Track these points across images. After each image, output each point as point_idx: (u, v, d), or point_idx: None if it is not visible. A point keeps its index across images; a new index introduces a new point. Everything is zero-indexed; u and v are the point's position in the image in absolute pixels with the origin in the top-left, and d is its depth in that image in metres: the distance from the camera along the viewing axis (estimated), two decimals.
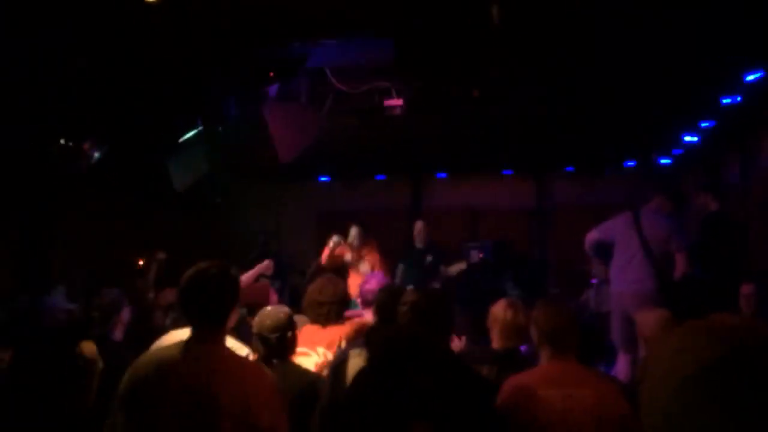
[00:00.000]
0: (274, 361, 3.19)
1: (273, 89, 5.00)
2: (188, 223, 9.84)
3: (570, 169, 10.15)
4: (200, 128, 5.99)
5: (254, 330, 3.33)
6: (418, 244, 7.91)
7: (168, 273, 7.14)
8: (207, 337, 2.42)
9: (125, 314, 4.20)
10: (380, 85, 5.20)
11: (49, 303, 5.91)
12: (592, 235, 6.05)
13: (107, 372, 3.27)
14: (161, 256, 7.50)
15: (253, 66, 4.52)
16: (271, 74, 4.53)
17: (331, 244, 7.05)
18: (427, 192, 11.07)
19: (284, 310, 3.43)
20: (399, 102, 5.23)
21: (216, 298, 2.45)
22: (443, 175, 10.60)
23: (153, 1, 3.01)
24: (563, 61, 4.53)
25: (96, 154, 5.33)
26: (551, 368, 2.78)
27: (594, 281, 7.45)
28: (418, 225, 7.98)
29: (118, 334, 4.14)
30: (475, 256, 9.25)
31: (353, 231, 7.31)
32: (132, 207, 9.19)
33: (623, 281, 5.78)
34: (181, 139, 6.18)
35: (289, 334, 3.33)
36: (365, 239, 7.34)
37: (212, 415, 2.23)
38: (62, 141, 5.22)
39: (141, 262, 9.65)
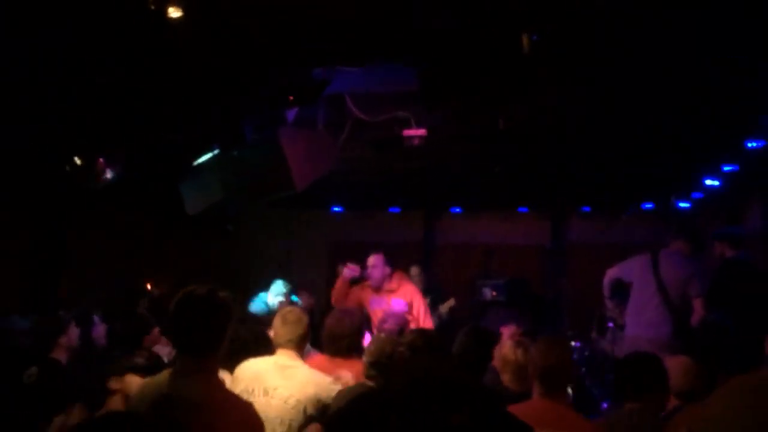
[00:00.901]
0: None
1: (291, 115, 4.94)
2: (199, 248, 9.78)
3: (586, 209, 10.03)
4: (216, 152, 5.93)
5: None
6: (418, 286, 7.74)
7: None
8: (194, 367, 2.23)
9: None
10: (400, 115, 5.13)
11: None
12: (613, 272, 5.96)
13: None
14: (154, 290, 6.93)
15: (273, 90, 4.48)
16: (291, 98, 4.48)
17: (346, 272, 6.39)
18: (441, 227, 10.97)
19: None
20: (419, 132, 5.16)
21: (203, 324, 2.25)
22: (457, 210, 10.50)
23: (175, 18, 2.97)
24: (586, 98, 4.46)
25: (109, 174, 5.28)
26: (541, 406, 2.72)
27: (610, 324, 7.27)
28: (414, 271, 7.78)
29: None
30: (488, 293, 9.12)
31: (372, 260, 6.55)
32: (144, 229, 9.14)
33: (639, 325, 5.65)
34: (195, 163, 6.13)
35: None
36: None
37: None
38: (76, 159, 5.19)
39: (149, 286, 9.59)
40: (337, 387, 3.22)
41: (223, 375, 3.05)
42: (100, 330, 5.14)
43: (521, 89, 3.90)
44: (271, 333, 3.56)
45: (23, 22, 3.69)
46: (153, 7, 2.94)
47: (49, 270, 8.57)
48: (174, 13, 2.98)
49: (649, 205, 9.63)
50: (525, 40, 3.10)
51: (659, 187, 8.73)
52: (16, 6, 3.49)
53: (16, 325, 5.77)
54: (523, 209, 10.24)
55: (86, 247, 8.46)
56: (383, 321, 5.02)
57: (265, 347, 3.48)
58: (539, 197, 9.64)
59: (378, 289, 6.36)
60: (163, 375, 2.34)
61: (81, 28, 3.55)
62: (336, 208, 10.69)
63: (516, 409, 2.67)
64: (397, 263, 8.77)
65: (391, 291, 6.33)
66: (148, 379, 2.63)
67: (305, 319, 3.55)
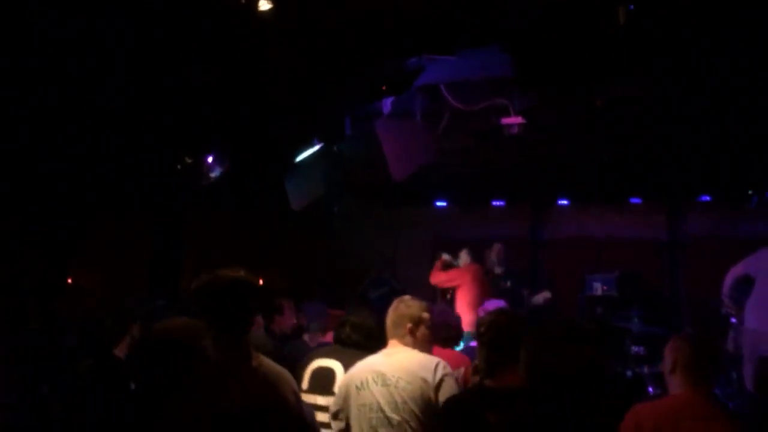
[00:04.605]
0: None
1: (387, 107, 4.95)
2: (306, 245, 10.00)
3: (706, 199, 9.37)
4: (318, 147, 6.04)
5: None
6: (497, 269, 7.57)
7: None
8: (229, 345, 2.39)
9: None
10: (497, 103, 5.01)
11: None
12: (738, 270, 5.56)
13: None
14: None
15: (367, 81, 4.49)
16: (384, 88, 4.48)
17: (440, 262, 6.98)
18: (548, 220, 10.63)
19: None
20: (517, 120, 5.01)
21: (233, 304, 2.43)
22: (565, 202, 10.14)
23: (266, 11, 3.03)
24: (703, 72, 4.09)
25: (216, 171, 5.50)
26: (687, 399, 2.63)
27: (733, 320, 6.78)
28: (496, 247, 7.63)
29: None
30: (598, 287, 8.74)
31: (464, 255, 7.21)
32: (253, 227, 9.47)
33: (759, 319, 5.25)
34: (298, 158, 6.27)
35: None
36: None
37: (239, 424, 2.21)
38: (186, 158, 5.44)
39: (261, 282, 9.91)
40: (435, 362, 3.17)
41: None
42: None
43: (621, 66, 3.67)
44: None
45: (129, 32, 3.91)
46: (243, 1, 3.02)
47: (170, 267, 9.08)
48: (264, 5, 3.04)
49: None
50: (621, 11, 2.91)
51: None
52: (122, 15, 3.70)
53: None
54: (635, 200, 9.72)
55: (201, 245, 8.88)
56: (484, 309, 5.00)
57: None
58: (653, 187, 9.13)
59: None
60: None
61: (176, 29, 3.70)
62: (440, 203, 10.61)
63: (665, 404, 2.66)
64: (503, 258, 8.63)
65: None
66: None
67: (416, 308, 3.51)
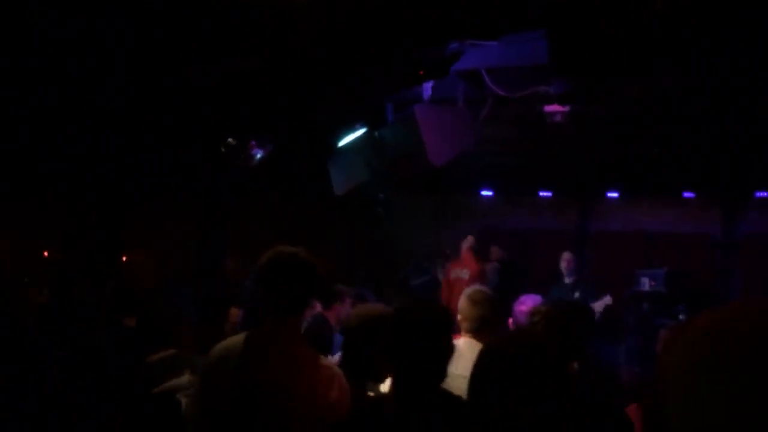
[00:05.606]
0: None
1: (427, 92, 4.90)
2: (350, 233, 10.05)
3: (763, 194, 9.02)
4: (361, 132, 6.04)
5: None
6: (566, 278, 7.36)
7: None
8: (281, 328, 2.25)
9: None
10: (541, 90, 4.90)
11: None
12: None
13: None
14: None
15: (407, 66, 4.46)
16: (422, 72, 4.43)
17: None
18: (597, 212, 10.41)
19: None
20: (561, 108, 4.90)
21: (290, 285, 2.25)
22: (615, 194, 9.90)
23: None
24: (750, 56, 3.90)
25: (259, 154, 5.57)
26: None
27: None
28: (566, 257, 7.39)
29: None
30: (647, 283, 8.52)
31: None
32: (297, 213, 9.57)
33: None
34: (341, 143, 6.29)
35: None
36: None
37: (279, 411, 2.13)
38: (230, 140, 5.53)
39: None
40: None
41: None
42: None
43: (663, 53, 3.53)
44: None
45: (173, 25, 3.98)
46: None
47: (215, 250, 9.28)
48: None
49: None
50: None
51: None
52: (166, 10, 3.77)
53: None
54: (689, 194, 9.42)
55: (245, 229, 9.05)
56: (520, 303, 4.90)
57: None
58: (708, 181, 8.83)
59: None
60: (241, 336, 2.36)
61: (219, 17, 3.75)
62: (485, 192, 10.50)
63: None
64: (549, 251, 8.46)
65: None
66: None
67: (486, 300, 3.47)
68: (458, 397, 2.10)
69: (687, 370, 0.71)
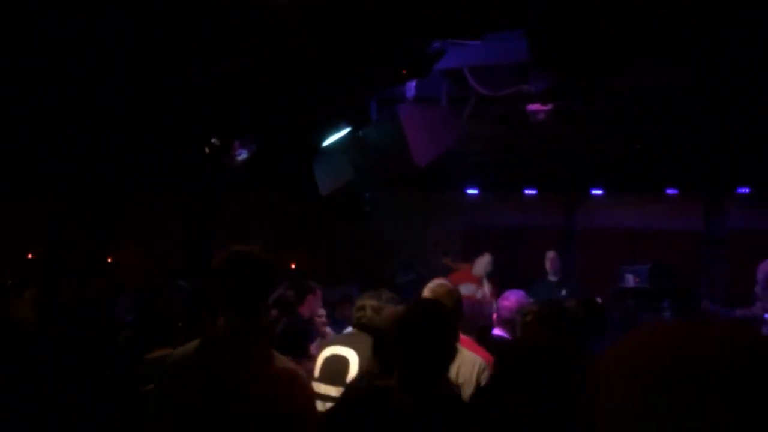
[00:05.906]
0: None
1: (410, 91, 4.91)
2: (337, 231, 10.04)
3: (744, 190, 9.09)
4: (345, 131, 6.05)
5: None
6: (552, 276, 7.40)
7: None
8: (239, 329, 2.20)
9: None
10: (524, 89, 4.92)
11: None
12: None
13: None
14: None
15: (389, 65, 4.46)
16: (404, 72, 4.44)
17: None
18: (582, 210, 10.46)
19: None
20: (544, 107, 4.93)
21: (247, 285, 2.21)
22: (599, 192, 9.95)
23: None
24: (736, 57, 3.91)
25: (243, 154, 5.55)
26: None
27: (767, 316, 6.58)
28: (550, 255, 7.44)
29: None
30: (631, 279, 8.59)
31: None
32: (282, 213, 9.55)
33: None
34: (325, 143, 6.29)
35: None
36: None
37: (235, 414, 2.08)
38: (214, 140, 5.51)
39: (293, 266, 10.03)
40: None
41: None
42: None
43: (643, 47, 3.55)
44: None
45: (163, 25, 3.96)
46: None
47: (203, 248, 9.24)
48: None
49: None
50: None
51: None
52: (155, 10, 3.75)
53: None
54: (672, 191, 9.49)
55: (232, 227, 9.02)
56: (504, 298, 4.96)
57: None
58: (690, 178, 8.89)
59: None
60: (194, 344, 2.29)
61: (203, 17, 3.73)
62: (471, 190, 10.52)
63: None
64: (535, 248, 8.51)
65: None
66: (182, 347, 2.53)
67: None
68: (458, 396, 2.20)
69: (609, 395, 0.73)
